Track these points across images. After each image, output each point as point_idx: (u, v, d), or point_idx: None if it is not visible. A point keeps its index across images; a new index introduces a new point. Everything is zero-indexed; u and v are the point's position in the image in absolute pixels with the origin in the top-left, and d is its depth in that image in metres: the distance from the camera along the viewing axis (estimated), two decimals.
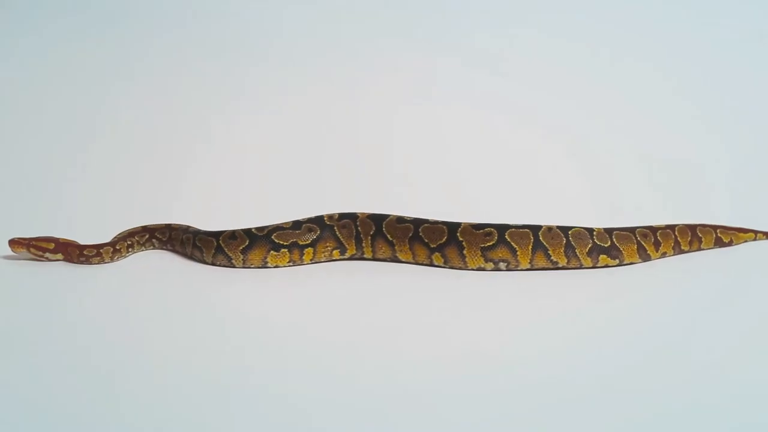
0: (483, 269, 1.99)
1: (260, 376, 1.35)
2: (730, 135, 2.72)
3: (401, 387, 1.30)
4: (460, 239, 2.00)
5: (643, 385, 1.30)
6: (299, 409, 1.22)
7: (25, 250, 2.07)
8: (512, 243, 1.96)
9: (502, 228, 1.98)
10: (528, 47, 2.85)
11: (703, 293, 1.85)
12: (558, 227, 1.98)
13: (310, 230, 2.07)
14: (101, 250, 2.07)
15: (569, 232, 1.97)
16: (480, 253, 1.98)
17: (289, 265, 2.07)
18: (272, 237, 2.04)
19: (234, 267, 2.05)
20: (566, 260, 1.97)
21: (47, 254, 2.07)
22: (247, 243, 2.03)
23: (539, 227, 1.98)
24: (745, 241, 2.19)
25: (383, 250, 2.10)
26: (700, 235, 2.08)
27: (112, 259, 2.09)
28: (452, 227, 2.02)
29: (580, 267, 1.98)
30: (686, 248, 2.06)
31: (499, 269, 1.99)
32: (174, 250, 2.20)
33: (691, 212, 2.41)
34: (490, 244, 1.97)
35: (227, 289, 1.91)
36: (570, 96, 2.80)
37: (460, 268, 2.01)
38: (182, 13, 2.92)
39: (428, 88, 2.85)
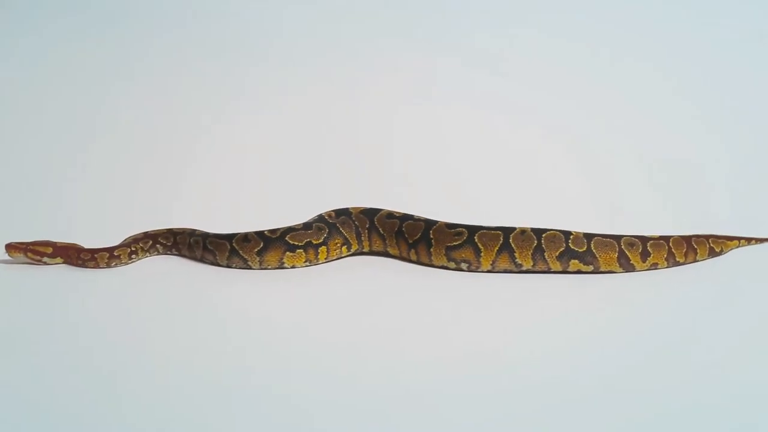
0: (446, 268, 2.00)
1: (262, 377, 1.35)
2: (730, 135, 2.72)
3: (403, 387, 1.30)
4: (431, 237, 2.01)
5: (644, 386, 1.30)
6: (301, 409, 1.22)
7: (22, 255, 2.04)
8: (479, 244, 1.95)
9: (473, 229, 1.97)
10: (528, 47, 2.85)
11: (703, 294, 1.85)
12: (533, 230, 1.94)
13: (320, 229, 2.08)
14: (96, 255, 2.05)
15: (543, 235, 1.93)
16: (443, 252, 1.98)
17: (306, 265, 2.07)
18: (286, 238, 2.04)
19: (251, 269, 2.05)
20: (532, 263, 1.93)
21: (45, 258, 2.05)
22: (261, 245, 2.03)
23: (512, 229, 1.94)
24: (731, 249, 2.17)
25: (377, 243, 2.13)
26: (695, 246, 2.05)
27: (108, 265, 2.05)
28: (429, 225, 2.03)
29: (548, 271, 1.95)
30: (681, 260, 2.01)
31: (460, 269, 1.98)
32: (180, 255, 2.18)
33: (691, 213, 2.41)
34: (456, 243, 1.97)
35: (229, 289, 1.91)
36: (570, 96, 2.79)
37: (428, 265, 2.03)
38: (182, 13, 2.92)
39: (428, 88, 2.85)
